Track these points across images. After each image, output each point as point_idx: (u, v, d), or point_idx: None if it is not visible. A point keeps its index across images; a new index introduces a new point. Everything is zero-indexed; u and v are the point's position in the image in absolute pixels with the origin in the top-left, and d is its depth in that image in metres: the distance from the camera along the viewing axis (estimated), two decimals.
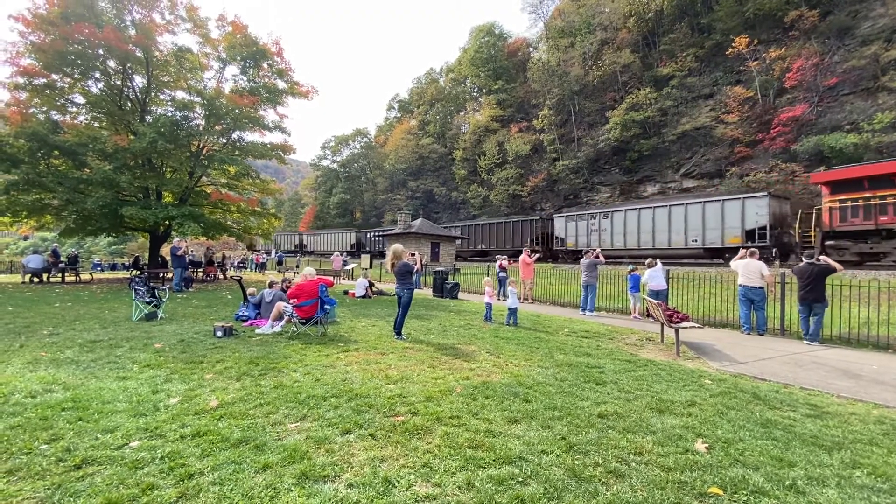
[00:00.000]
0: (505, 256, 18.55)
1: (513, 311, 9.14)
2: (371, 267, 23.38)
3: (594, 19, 43.96)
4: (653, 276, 10.29)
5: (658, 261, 10.68)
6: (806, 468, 2.96)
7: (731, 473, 2.85)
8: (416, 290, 8.52)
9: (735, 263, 9.10)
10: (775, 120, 28.73)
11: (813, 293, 7.86)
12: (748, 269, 8.72)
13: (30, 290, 13.98)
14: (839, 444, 3.41)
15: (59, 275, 18.71)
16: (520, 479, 2.72)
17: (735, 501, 2.55)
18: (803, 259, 8.23)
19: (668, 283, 10.44)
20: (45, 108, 17.62)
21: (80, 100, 18.45)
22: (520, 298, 14.06)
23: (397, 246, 7.52)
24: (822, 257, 8.23)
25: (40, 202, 17.16)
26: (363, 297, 13.73)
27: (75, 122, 18.17)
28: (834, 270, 7.88)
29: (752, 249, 9.07)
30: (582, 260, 11.96)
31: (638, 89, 37.33)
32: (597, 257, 11.91)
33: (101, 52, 16.68)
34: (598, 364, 5.81)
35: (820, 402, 4.46)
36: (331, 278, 9.34)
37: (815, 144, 25.79)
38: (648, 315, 10.25)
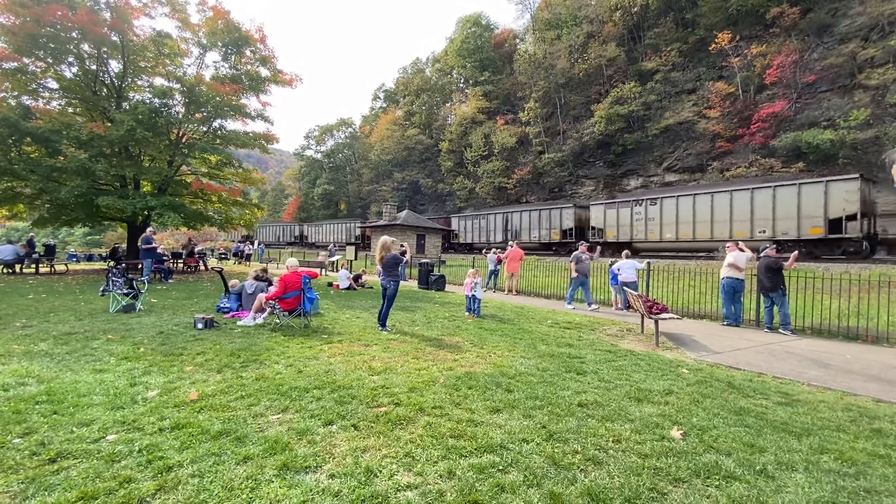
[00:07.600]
0: (495, 249, 18.60)
1: (476, 300, 9.32)
2: (356, 258, 23.24)
3: (580, 12, 43.99)
4: (623, 269, 10.50)
5: (628, 253, 10.94)
6: (776, 454, 3.07)
7: (704, 459, 2.94)
8: (401, 282, 8.51)
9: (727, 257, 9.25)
10: (755, 116, 29.28)
11: (763, 283, 8.38)
12: (732, 262, 8.90)
13: (2, 282, 13.55)
14: (808, 430, 3.53)
15: (33, 266, 18.14)
16: (500, 468, 2.76)
17: (708, 486, 2.63)
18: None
19: (636, 275, 10.65)
20: (16, 93, 17.03)
21: (54, 85, 17.85)
22: (505, 291, 14.26)
23: (385, 238, 7.56)
24: (770, 251, 8.51)
25: (12, 191, 16.64)
26: (348, 288, 13.66)
27: (48, 107, 17.57)
28: (779, 265, 8.20)
29: (737, 241, 9.27)
30: (573, 253, 12.04)
31: (623, 83, 37.55)
32: (590, 250, 11.98)
33: (74, 35, 16.09)
34: (580, 354, 5.91)
35: (791, 391, 4.60)
36: (315, 270, 9.27)
37: (793, 140, 26.34)
38: (629, 306, 10.44)
